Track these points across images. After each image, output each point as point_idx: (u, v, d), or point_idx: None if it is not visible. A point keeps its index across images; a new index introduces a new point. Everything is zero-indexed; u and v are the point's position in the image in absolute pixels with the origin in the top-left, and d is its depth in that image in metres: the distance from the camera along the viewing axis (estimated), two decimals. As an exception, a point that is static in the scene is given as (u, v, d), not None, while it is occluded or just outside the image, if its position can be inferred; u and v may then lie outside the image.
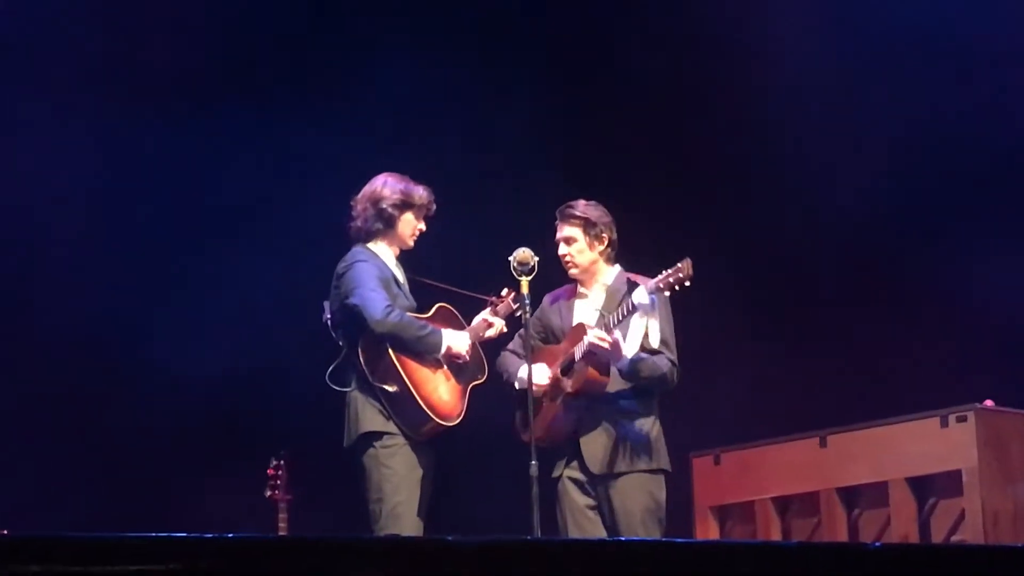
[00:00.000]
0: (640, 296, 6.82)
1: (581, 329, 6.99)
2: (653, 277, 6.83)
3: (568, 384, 6.98)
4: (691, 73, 9.43)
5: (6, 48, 8.73)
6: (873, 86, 9.21)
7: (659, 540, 6.35)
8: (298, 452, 7.85)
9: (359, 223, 7.15)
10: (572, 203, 7.13)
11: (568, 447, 7.01)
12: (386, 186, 7.14)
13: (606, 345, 6.83)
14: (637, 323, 6.85)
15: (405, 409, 6.91)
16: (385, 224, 7.12)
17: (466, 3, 9.34)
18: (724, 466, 8.55)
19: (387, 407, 6.93)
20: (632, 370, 6.90)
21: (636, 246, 7.25)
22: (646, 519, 6.90)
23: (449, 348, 7.03)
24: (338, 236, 7.21)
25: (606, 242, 7.10)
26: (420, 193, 7.16)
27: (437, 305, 7.17)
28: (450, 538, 4.24)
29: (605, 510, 6.95)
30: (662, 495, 6.98)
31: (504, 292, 7.21)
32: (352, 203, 7.18)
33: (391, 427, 6.92)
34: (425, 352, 6.98)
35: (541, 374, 7.01)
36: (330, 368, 6.98)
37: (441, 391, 7.01)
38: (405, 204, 7.12)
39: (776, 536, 8.30)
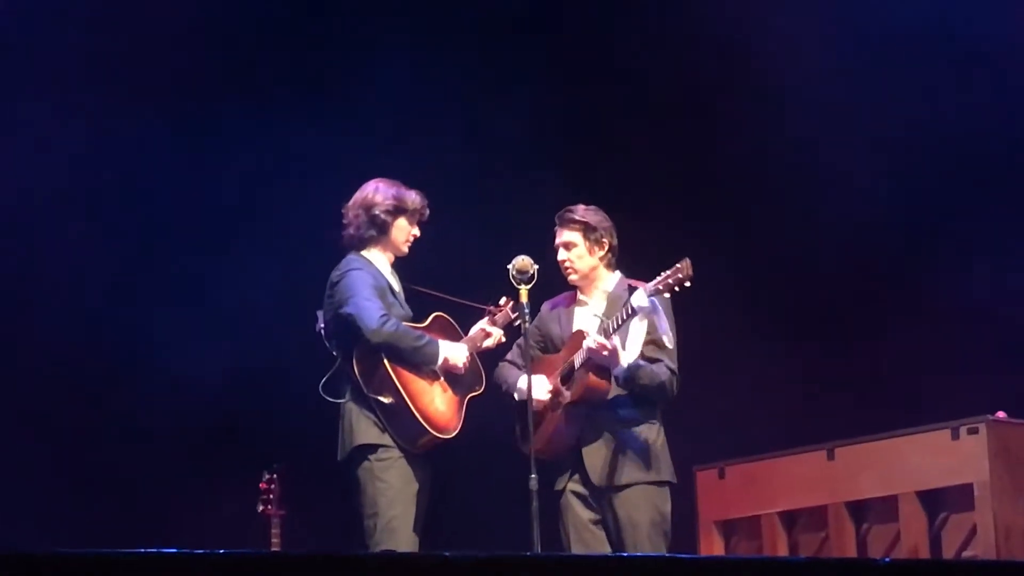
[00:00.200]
0: (639, 299, 6.67)
1: (580, 336, 6.86)
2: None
3: (568, 393, 6.86)
4: (691, 73, 9.42)
5: (6, 48, 8.72)
6: (873, 86, 9.19)
7: (662, 556, 6.30)
8: (291, 465, 7.75)
9: (352, 230, 7.05)
10: (571, 208, 7.01)
11: (570, 459, 6.88)
12: (378, 192, 7.04)
13: (605, 352, 6.71)
14: (637, 327, 6.70)
15: (401, 421, 6.79)
16: (378, 231, 7.03)
17: (466, 3, 9.33)
18: (729, 479, 8.41)
19: (382, 419, 6.80)
20: (630, 377, 6.77)
21: (636, 246, 7.17)
22: (651, 532, 6.77)
23: (446, 359, 6.89)
24: (337, 236, 7.15)
25: (606, 247, 6.98)
26: (413, 198, 7.07)
27: (433, 314, 7.05)
28: (447, 554, 4.23)
29: (610, 523, 6.83)
30: (667, 507, 6.86)
31: (502, 301, 7.13)
32: (344, 210, 7.09)
33: (386, 440, 6.78)
34: (422, 363, 6.85)
35: (541, 388, 6.88)
36: (324, 379, 6.87)
37: (438, 403, 6.88)
38: (398, 209, 7.03)
39: (783, 551, 8.17)
